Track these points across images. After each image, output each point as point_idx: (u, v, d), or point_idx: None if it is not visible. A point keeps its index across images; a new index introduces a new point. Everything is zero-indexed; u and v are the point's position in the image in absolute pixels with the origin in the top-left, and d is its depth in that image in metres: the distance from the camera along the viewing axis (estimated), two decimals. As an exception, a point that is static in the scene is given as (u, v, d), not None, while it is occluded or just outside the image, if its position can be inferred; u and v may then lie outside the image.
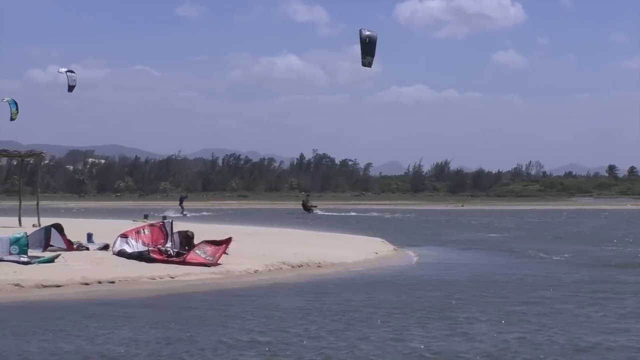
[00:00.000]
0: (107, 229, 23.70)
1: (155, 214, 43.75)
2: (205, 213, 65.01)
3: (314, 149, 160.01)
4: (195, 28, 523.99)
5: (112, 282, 15.26)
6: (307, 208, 72.67)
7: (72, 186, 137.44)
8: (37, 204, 28.32)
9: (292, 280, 17.14)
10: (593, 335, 11.01)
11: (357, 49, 19.94)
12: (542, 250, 25.79)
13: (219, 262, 17.66)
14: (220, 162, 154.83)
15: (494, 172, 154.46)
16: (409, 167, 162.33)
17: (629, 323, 12.07)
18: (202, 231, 22.42)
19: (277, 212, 74.36)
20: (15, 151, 31.09)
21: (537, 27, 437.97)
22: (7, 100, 31.18)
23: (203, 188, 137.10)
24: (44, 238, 18.52)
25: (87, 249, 19.12)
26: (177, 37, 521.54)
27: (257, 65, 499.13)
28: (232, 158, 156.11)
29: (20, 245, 16.88)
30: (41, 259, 16.74)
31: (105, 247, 19.12)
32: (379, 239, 27.35)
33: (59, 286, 14.61)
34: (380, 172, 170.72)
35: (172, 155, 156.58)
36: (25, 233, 17.66)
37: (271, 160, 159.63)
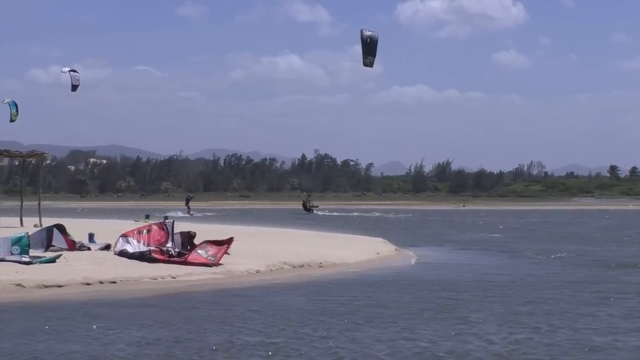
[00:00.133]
0: (109, 229, 23.69)
1: (157, 214, 43.76)
2: (208, 213, 64.94)
3: (315, 149, 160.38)
4: (196, 28, 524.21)
5: (114, 282, 15.24)
6: (307, 208, 72.62)
7: (74, 186, 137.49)
8: (39, 204, 28.31)
9: (294, 280, 17.11)
10: (601, 335, 11.00)
11: (358, 49, 19.97)
12: (545, 251, 25.77)
13: (220, 262, 17.65)
14: (221, 162, 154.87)
15: (495, 173, 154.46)
16: (410, 167, 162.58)
17: (635, 323, 12.06)
18: (204, 231, 22.42)
19: (278, 212, 74.37)
20: (16, 151, 31.08)
21: (538, 27, 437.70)
22: (8, 102, 31.18)
23: (204, 188, 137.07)
24: (46, 238, 18.51)
25: (89, 249, 19.11)
26: (178, 37, 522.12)
27: (259, 65, 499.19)
28: (233, 158, 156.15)
29: (22, 245, 16.88)
30: (42, 259, 16.73)
31: (107, 247, 19.11)
32: (380, 239, 27.34)
33: (60, 286, 14.59)
34: (382, 172, 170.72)
35: (173, 155, 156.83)
36: (27, 233, 17.65)
37: (272, 160, 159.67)
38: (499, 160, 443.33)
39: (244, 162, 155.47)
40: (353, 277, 18.12)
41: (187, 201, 66.49)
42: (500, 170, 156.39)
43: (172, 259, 17.71)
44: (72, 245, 18.73)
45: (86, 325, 11.32)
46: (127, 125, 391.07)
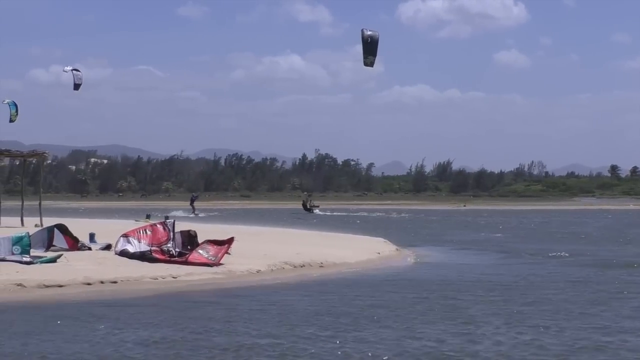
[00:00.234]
0: (110, 228, 23.68)
1: (157, 214, 43.75)
2: (211, 213, 64.82)
3: (316, 149, 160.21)
4: (197, 28, 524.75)
5: (115, 282, 15.24)
6: (307, 208, 72.26)
7: (75, 186, 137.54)
8: (40, 204, 28.29)
9: (295, 280, 17.10)
10: (609, 335, 10.99)
11: (359, 48, 19.98)
12: (546, 251, 25.73)
13: (221, 262, 17.64)
14: (222, 162, 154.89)
15: (496, 172, 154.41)
16: (411, 167, 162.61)
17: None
18: (205, 231, 22.40)
19: (279, 212, 74.32)
20: (17, 151, 31.05)
21: (539, 27, 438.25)
22: (8, 102, 31.16)
23: (205, 188, 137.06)
24: (47, 238, 18.50)
25: (90, 249, 19.10)
26: (179, 37, 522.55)
27: (260, 65, 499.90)
28: (234, 158, 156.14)
29: (23, 245, 16.87)
30: (43, 259, 16.72)
31: (108, 247, 19.10)
32: (381, 239, 27.31)
33: (61, 286, 14.58)
34: (383, 172, 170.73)
35: (174, 155, 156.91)
36: (28, 233, 17.64)
37: (273, 160, 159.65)
38: (499, 160, 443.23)
39: (244, 162, 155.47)
40: (354, 277, 18.11)
41: (192, 201, 66.14)
42: (501, 170, 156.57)
43: (172, 258, 17.71)
44: (73, 245, 18.71)
45: (91, 325, 11.29)
46: (128, 125, 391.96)
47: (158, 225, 19.28)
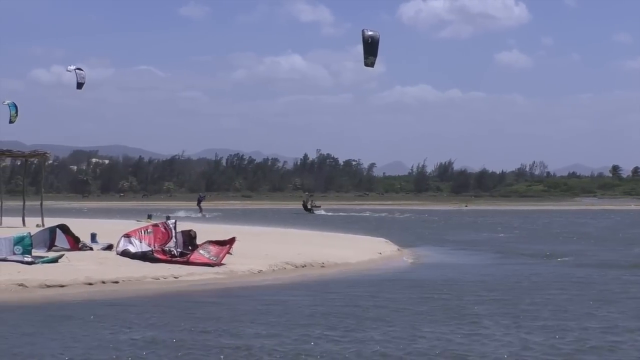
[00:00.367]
0: (111, 229, 23.69)
1: (158, 214, 43.76)
2: (214, 214, 64.79)
3: (317, 149, 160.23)
4: (199, 28, 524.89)
5: (116, 282, 15.24)
6: (307, 208, 71.93)
7: (76, 186, 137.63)
8: (41, 204, 28.32)
9: (297, 280, 17.08)
10: (616, 334, 10.96)
11: (360, 48, 19.95)
12: (549, 251, 25.73)
13: (222, 262, 17.64)
14: (223, 162, 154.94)
15: (497, 173, 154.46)
16: (412, 167, 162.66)
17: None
18: (206, 231, 22.43)
19: (280, 212, 74.33)
20: (19, 151, 31.07)
21: (541, 27, 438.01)
22: (8, 103, 31.17)
23: (206, 188, 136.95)
24: (49, 238, 18.49)
25: (91, 249, 19.09)
26: (181, 37, 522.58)
27: (261, 65, 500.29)
28: (235, 158, 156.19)
29: (24, 245, 16.86)
30: (45, 259, 16.71)
31: (109, 247, 19.10)
32: (382, 239, 27.31)
33: (62, 286, 14.57)
34: (384, 173, 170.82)
35: (175, 155, 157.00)
36: (29, 233, 17.63)
37: (275, 160, 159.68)
38: (501, 160, 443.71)
39: (246, 162, 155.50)
40: (356, 277, 18.08)
41: (199, 201, 65.97)
42: (502, 170, 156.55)
43: (174, 259, 17.71)
44: (75, 245, 18.71)
45: (95, 326, 11.26)
46: (130, 125, 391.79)
47: (159, 226, 19.30)
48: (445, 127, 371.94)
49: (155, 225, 19.51)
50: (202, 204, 65.62)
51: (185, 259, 17.56)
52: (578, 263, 21.89)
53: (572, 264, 21.75)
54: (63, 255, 17.11)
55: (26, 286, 14.29)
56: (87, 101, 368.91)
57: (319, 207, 74.76)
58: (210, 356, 9.53)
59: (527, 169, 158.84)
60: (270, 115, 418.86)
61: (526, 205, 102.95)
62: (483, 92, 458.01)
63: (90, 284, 14.94)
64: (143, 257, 17.62)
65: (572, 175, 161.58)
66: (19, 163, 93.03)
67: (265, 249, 20.89)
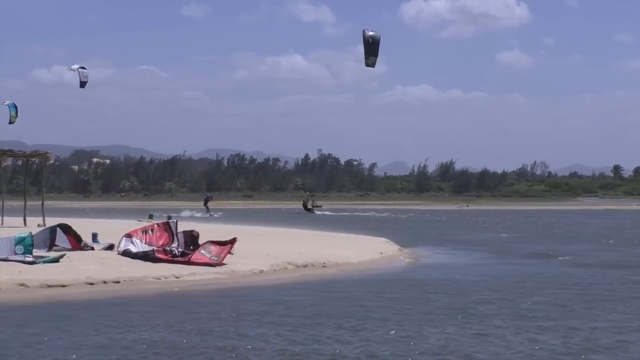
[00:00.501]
0: (112, 228, 23.69)
1: (159, 214, 43.75)
2: (214, 214, 64.77)
3: (318, 149, 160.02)
4: (200, 28, 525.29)
5: (117, 282, 15.23)
6: (307, 208, 71.68)
7: (77, 186, 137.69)
8: (42, 204, 28.33)
9: (298, 280, 17.06)
10: (625, 334, 10.95)
11: (361, 49, 19.95)
12: (551, 251, 25.69)
13: (223, 262, 17.63)
14: (225, 162, 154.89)
15: (499, 172, 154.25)
16: (413, 167, 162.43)
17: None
18: (208, 231, 22.41)
19: (282, 212, 74.29)
20: (20, 151, 31.09)
21: (542, 27, 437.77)
22: (8, 104, 31.17)
23: (208, 188, 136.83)
24: (49, 238, 18.48)
25: (92, 248, 19.08)
26: (182, 37, 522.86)
27: (262, 65, 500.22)
28: (237, 158, 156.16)
29: (25, 245, 16.85)
30: (46, 258, 16.70)
31: (110, 247, 19.08)
32: (383, 239, 27.28)
33: (64, 286, 14.57)
34: (385, 172, 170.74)
35: (177, 155, 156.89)
36: (30, 233, 17.62)
37: (276, 160, 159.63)
38: (502, 160, 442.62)
39: (247, 162, 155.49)
40: (357, 276, 18.06)
41: (206, 201, 65.83)
42: (503, 170, 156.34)
43: (175, 258, 17.69)
44: (76, 245, 18.70)
45: (99, 326, 11.21)
46: (131, 125, 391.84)
47: (161, 225, 19.30)
48: (447, 127, 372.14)
49: (157, 225, 19.51)
50: (209, 204, 65.56)
51: (186, 259, 17.55)
52: (581, 263, 21.84)
53: (574, 264, 21.69)
54: (64, 255, 17.10)
55: (27, 286, 14.28)
56: (88, 101, 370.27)
57: (321, 206, 74.58)
58: (221, 356, 9.48)
59: (529, 168, 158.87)
60: (272, 115, 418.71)
61: (528, 205, 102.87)
62: (484, 92, 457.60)
63: (92, 283, 14.94)
64: (144, 257, 17.61)
65: (574, 175, 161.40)
66: (20, 163, 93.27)
67: (267, 249, 20.87)
